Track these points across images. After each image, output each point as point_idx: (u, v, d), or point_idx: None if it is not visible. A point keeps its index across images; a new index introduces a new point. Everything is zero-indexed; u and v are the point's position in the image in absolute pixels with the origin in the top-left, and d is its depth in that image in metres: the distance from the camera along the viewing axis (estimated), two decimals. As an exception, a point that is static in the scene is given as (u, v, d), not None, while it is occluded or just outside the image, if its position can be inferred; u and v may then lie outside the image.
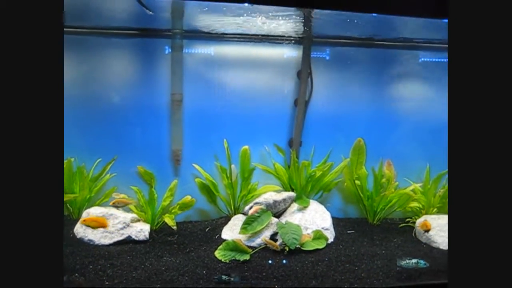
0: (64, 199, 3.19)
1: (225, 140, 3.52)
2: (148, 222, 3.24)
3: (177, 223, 3.26)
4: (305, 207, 3.36)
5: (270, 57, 3.70)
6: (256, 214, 3.09)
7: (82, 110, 3.40)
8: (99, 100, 3.44)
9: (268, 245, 2.96)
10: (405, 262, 2.75)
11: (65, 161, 3.25)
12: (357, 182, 3.64)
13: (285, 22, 3.06)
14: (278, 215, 3.35)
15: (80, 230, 3.03)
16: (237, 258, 2.77)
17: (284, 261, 2.79)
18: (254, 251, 2.90)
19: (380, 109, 3.90)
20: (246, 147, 3.56)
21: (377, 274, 2.64)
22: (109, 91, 3.47)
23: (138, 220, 3.21)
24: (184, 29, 3.43)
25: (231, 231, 3.23)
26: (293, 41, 3.65)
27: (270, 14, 2.84)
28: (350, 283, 2.53)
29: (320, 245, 3.03)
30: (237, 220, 3.34)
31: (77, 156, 3.32)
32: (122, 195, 3.25)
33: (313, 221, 3.25)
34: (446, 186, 3.59)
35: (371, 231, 3.48)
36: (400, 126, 3.94)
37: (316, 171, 3.56)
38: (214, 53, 3.59)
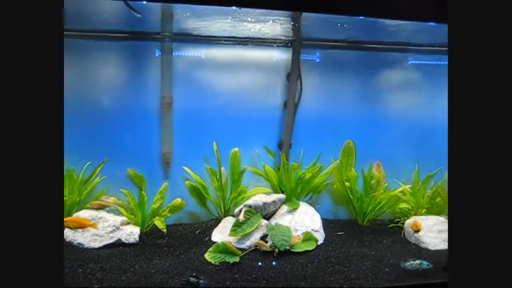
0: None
1: (214, 142, 3.53)
2: (138, 225, 3.23)
3: (167, 226, 3.25)
4: (295, 209, 3.38)
5: (260, 60, 3.71)
6: (246, 216, 3.10)
7: (71, 112, 3.36)
8: (88, 103, 3.42)
9: (258, 247, 2.97)
10: (409, 263, 2.78)
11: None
12: (346, 184, 3.67)
13: (274, 25, 3.07)
14: (268, 217, 3.35)
15: (69, 234, 3.00)
16: (227, 260, 2.78)
17: (274, 263, 2.80)
18: (244, 253, 2.91)
19: (369, 111, 3.92)
20: (236, 149, 3.57)
21: (366, 275, 2.66)
22: (99, 93, 3.45)
23: (128, 223, 3.20)
24: (173, 32, 3.43)
25: (221, 234, 3.23)
26: (282, 44, 3.66)
27: (261, 17, 2.84)
28: (339, 284, 2.54)
29: (310, 246, 3.05)
30: (227, 223, 3.34)
31: (66, 159, 3.30)
32: (111, 198, 3.25)
33: (303, 223, 3.26)
34: (435, 187, 3.63)
35: (361, 233, 3.50)
36: (389, 128, 3.97)
37: (306, 173, 3.58)
38: (204, 55, 3.60)
